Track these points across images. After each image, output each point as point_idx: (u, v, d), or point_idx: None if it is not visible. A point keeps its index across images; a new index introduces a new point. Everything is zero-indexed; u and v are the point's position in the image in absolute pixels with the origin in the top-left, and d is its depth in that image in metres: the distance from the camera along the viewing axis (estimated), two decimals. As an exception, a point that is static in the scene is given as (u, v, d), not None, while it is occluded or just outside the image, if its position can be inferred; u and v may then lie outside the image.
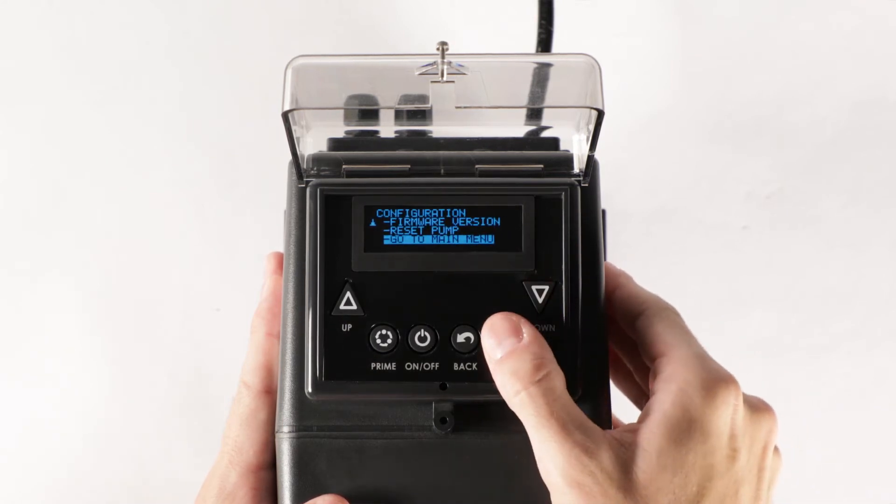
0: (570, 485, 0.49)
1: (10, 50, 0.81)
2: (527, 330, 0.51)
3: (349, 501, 0.53)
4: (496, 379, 0.51)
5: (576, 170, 0.55)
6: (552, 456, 0.49)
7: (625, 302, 0.56)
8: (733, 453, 0.51)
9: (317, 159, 0.55)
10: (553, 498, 0.50)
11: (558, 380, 0.50)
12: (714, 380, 0.51)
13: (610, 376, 0.59)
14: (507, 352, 0.51)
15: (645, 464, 0.49)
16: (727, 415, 0.51)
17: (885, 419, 0.84)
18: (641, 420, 0.51)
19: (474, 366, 0.53)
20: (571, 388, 0.52)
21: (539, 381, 0.50)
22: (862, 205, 0.83)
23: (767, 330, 0.84)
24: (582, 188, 0.54)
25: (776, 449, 0.54)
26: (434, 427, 0.53)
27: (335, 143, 0.57)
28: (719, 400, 0.50)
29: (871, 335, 0.84)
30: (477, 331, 0.53)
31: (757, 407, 0.53)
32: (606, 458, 0.49)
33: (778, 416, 0.53)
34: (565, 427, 0.49)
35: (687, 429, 0.50)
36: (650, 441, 0.50)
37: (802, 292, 0.83)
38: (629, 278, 0.57)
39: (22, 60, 0.81)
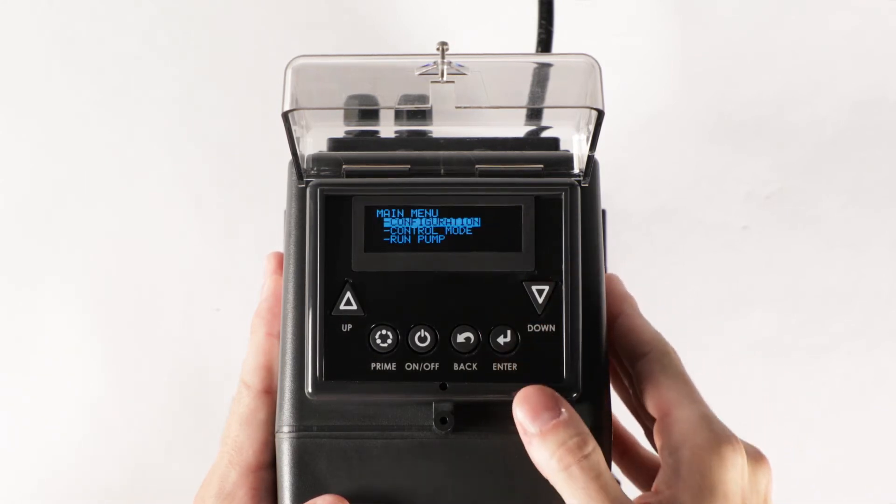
0: None
1: (10, 50, 0.81)
2: (566, 405, 0.52)
3: (349, 501, 0.53)
4: (537, 451, 0.51)
5: (576, 170, 0.55)
6: None
7: (626, 336, 0.56)
8: None
9: (317, 159, 0.55)
10: None
11: (601, 455, 0.51)
12: (722, 443, 0.52)
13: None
14: (552, 424, 0.51)
15: None
16: (738, 475, 0.52)
17: (885, 419, 0.84)
18: (662, 490, 0.52)
19: (474, 366, 0.53)
20: (573, 388, 0.52)
21: (588, 455, 0.51)
22: (862, 205, 0.83)
23: (767, 330, 0.84)
24: (582, 188, 0.54)
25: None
26: (434, 427, 0.53)
27: (335, 143, 0.56)
28: (729, 463, 0.52)
29: (871, 335, 0.84)
30: (477, 331, 0.53)
31: (755, 458, 0.54)
32: None
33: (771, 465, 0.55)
34: (612, 501, 0.50)
35: (710, 496, 0.51)
36: None
37: (802, 292, 0.83)
38: (633, 306, 0.57)
39: (21, 61, 0.81)
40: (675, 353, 0.56)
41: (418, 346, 0.53)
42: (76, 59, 0.81)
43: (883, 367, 0.84)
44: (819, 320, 0.84)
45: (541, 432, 0.51)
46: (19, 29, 0.81)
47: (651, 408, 0.55)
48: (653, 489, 0.52)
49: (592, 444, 0.51)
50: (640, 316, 0.57)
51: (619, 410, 0.61)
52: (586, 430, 0.51)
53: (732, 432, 0.53)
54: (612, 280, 0.57)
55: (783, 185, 0.83)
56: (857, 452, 0.84)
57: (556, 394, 0.52)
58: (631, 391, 0.58)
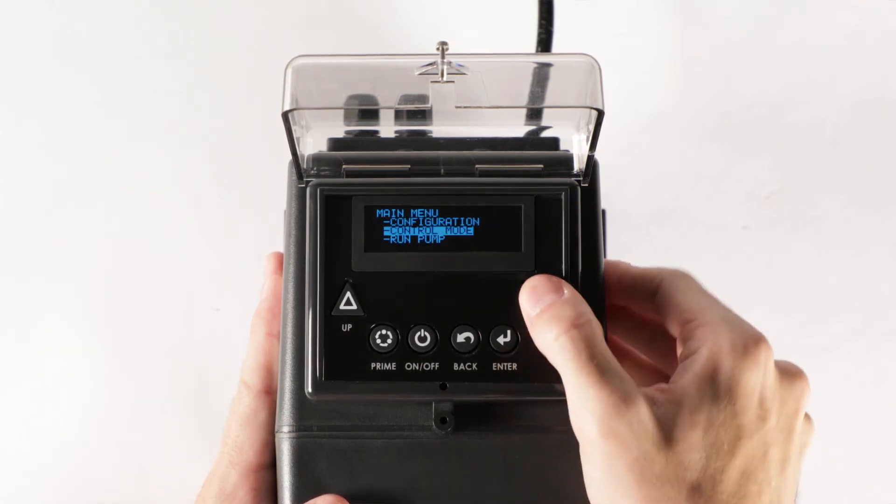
0: (606, 435, 0.48)
1: (9, 50, 0.81)
2: (568, 287, 0.51)
3: (349, 501, 0.53)
4: (534, 330, 0.51)
5: (576, 170, 0.55)
6: (590, 403, 0.48)
7: (636, 283, 0.56)
8: (764, 414, 0.50)
9: (317, 159, 0.55)
10: (584, 450, 0.49)
11: (598, 329, 0.50)
12: (745, 340, 0.51)
13: None
14: (551, 302, 0.51)
15: (678, 420, 0.49)
16: (758, 375, 0.50)
17: (885, 419, 0.84)
18: (673, 380, 0.51)
19: (474, 366, 0.53)
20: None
21: (580, 325, 0.50)
22: (862, 205, 0.83)
23: (767, 330, 0.83)
24: (582, 188, 0.54)
25: (808, 416, 0.54)
26: (434, 427, 0.53)
27: (335, 143, 0.57)
28: (750, 360, 0.50)
29: (871, 335, 0.84)
30: (477, 331, 0.53)
31: (789, 371, 0.53)
32: (643, 410, 0.48)
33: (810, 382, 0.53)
34: (605, 374, 0.49)
35: (718, 388, 0.49)
36: (682, 399, 0.49)
37: (802, 292, 0.83)
38: (627, 264, 0.57)
39: (21, 61, 0.81)
40: (689, 273, 0.55)
41: (418, 346, 0.53)
42: (76, 59, 0.81)
43: (883, 367, 0.84)
44: (819, 320, 0.84)
45: (540, 311, 0.51)
46: (19, 29, 0.81)
47: (675, 325, 0.53)
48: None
49: (589, 318, 0.50)
50: (638, 266, 0.57)
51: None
52: (587, 309, 0.51)
53: (761, 333, 0.51)
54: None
55: (783, 185, 0.83)
56: (857, 452, 0.84)
57: (562, 280, 0.52)
58: (651, 357, 0.57)
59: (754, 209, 0.83)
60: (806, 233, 0.83)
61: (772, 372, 0.51)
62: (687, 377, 0.50)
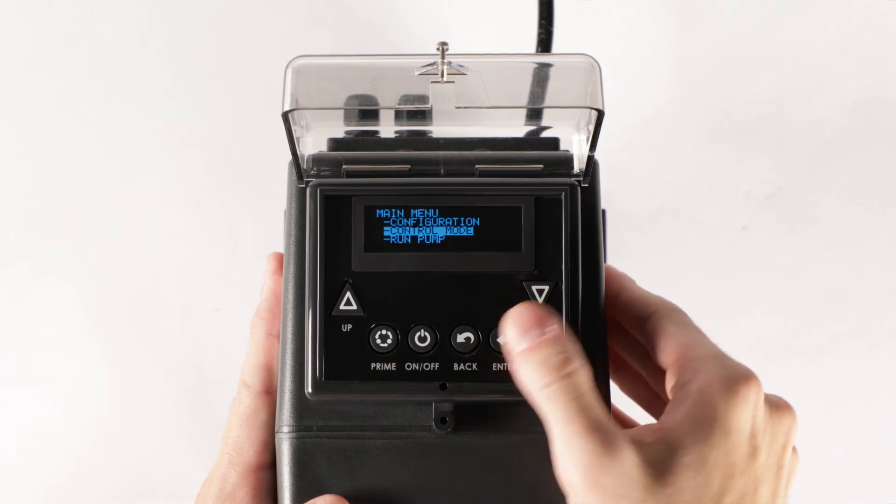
0: (591, 486, 0.47)
1: (9, 50, 0.81)
2: (554, 321, 0.50)
3: (349, 501, 0.53)
4: (520, 369, 0.49)
5: (576, 170, 0.55)
6: (575, 454, 0.48)
7: (631, 305, 0.55)
8: (754, 451, 0.50)
9: (317, 159, 0.55)
10: (571, 499, 0.48)
11: (587, 375, 0.49)
12: (735, 377, 0.50)
13: (618, 382, 0.59)
14: (536, 342, 0.49)
15: (669, 463, 0.48)
16: (748, 412, 0.50)
17: (885, 419, 0.84)
18: (662, 420, 0.50)
19: (474, 366, 0.53)
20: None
21: (569, 374, 0.48)
22: (862, 205, 0.83)
23: (767, 330, 0.84)
24: (582, 188, 0.54)
25: (794, 448, 0.53)
26: (434, 427, 0.53)
27: (335, 143, 0.57)
28: (740, 397, 0.50)
29: (871, 335, 0.84)
30: (477, 331, 0.53)
31: (777, 405, 0.52)
32: (629, 459, 0.48)
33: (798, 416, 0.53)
34: (592, 425, 0.48)
35: (709, 428, 0.49)
36: (673, 440, 0.49)
37: (802, 292, 0.83)
38: (632, 281, 0.57)
39: (20, 60, 0.81)
40: (682, 309, 0.55)
41: (418, 346, 0.53)
42: (76, 59, 0.81)
43: (883, 367, 0.84)
44: (819, 320, 0.84)
45: (526, 350, 0.49)
46: (19, 29, 0.81)
47: (664, 359, 0.53)
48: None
49: (577, 364, 0.49)
50: (640, 288, 0.57)
51: (625, 408, 0.61)
52: (574, 348, 0.49)
53: (750, 370, 0.51)
54: (605, 267, 0.57)
55: (783, 185, 0.83)
56: (858, 452, 0.84)
57: (548, 310, 0.50)
58: (643, 371, 0.57)
59: (754, 209, 0.83)
60: (806, 233, 0.83)
61: (762, 409, 0.51)
62: (678, 416, 0.49)
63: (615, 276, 0.57)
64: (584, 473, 0.47)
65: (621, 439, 0.48)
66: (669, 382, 0.52)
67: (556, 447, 0.49)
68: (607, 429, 0.48)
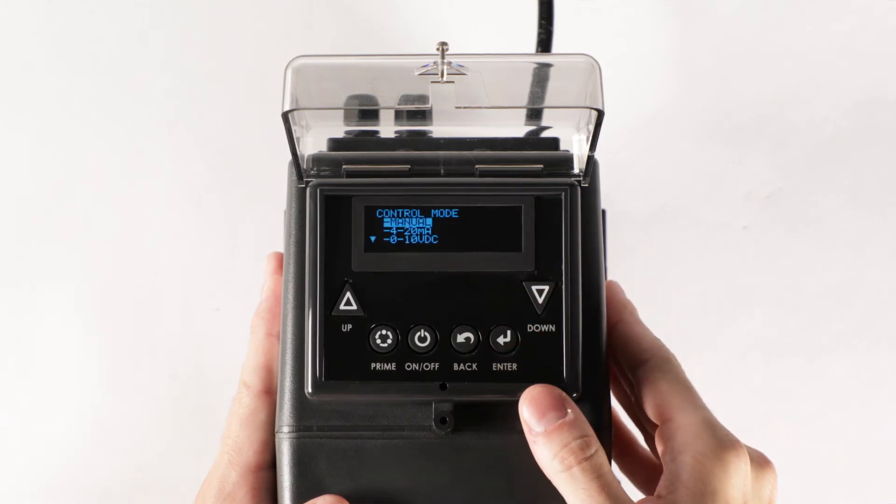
0: None
1: (9, 50, 0.81)
2: (572, 406, 0.52)
3: (349, 501, 0.53)
4: (542, 450, 0.51)
5: (576, 170, 0.55)
6: None
7: (626, 343, 0.56)
8: None
9: (317, 159, 0.55)
10: None
11: (603, 454, 0.51)
12: (725, 448, 0.52)
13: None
14: (555, 426, 0.51)
15: None
16: (740, 481, 0.52)
17: (885, 419, 0.84)
18: (661, 494, 0.52)
19: (474, 366, 0.53)
20: (573, 388, 0.52)
21: (590, 457, 0.51)
22: (862, 205, 0.83)
23: (767, 330, 0.84)
24: (582, 188, 0.54)
25: None
26: (434, 427, 0.53)
27: (335, 143, 0.56)
28: (732, 469, 0.52)
29: (871, 335, 0.84)
30: (477, 331, 0.53)
31: (760, 464, 0.54)
32: None
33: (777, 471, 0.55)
34: (614, 501, 0.50)
35: (711, 501, 0.51)
36: None
37: (802, 292, 0.83)
38: (633, 313, 0.57)
39: (20, 60, 0.81)
40: (675, 359, 0.56)
41: (418, 346, 0.53)
42: (76, 59, 0.81)
43: (883, 367, 0.84)
44: (819, 320, 0.84)
45: (546, 432, 0.51)
46: (19, 28, 0.81)
47: (652, 413, 0.55)
48: (654, 494, 0.52)
49: (596, 446, 0.51)
50: (640, 323, 0.57)
51: (619, 411, 0.61)
52: (590, 431, 0.51)
53: (736, 438, 0.53)
54: (612, 287, 0.57)
55: (783, 185, 0.83)
56: (857, 452, 0.84)
57: (563, 394, 0.52)
58: (632, 398, 0.58)
59: (754, 209, 0.83)
60: (806, 233, 0.83)
61: (749, 475, 0.53)
62: (679, 494, 0.51)
63: (619, 303, 0.58)
64: None
65: None
66: (660, 445, 0.54)
67: None
68: (625, 502, 0.51)
